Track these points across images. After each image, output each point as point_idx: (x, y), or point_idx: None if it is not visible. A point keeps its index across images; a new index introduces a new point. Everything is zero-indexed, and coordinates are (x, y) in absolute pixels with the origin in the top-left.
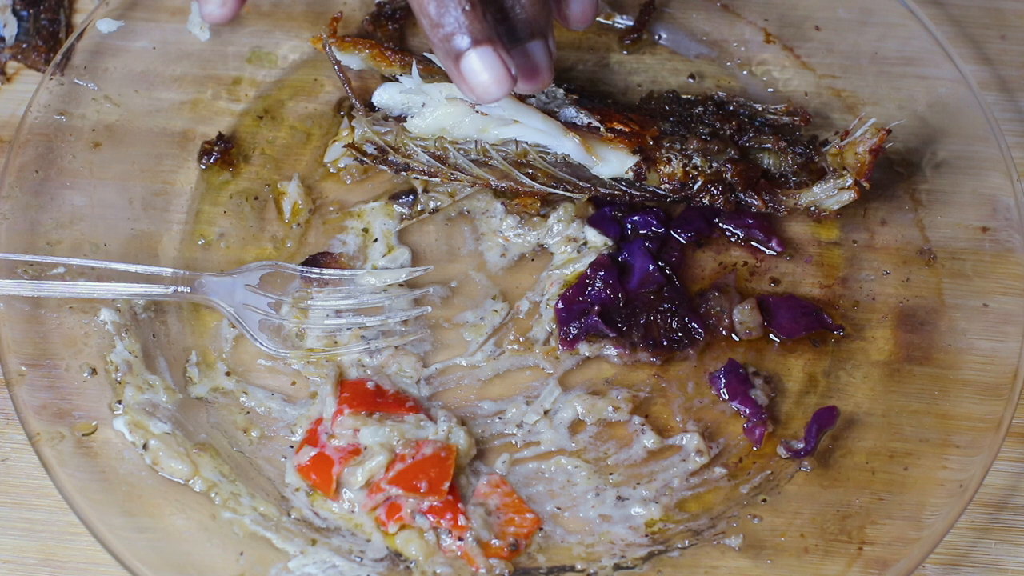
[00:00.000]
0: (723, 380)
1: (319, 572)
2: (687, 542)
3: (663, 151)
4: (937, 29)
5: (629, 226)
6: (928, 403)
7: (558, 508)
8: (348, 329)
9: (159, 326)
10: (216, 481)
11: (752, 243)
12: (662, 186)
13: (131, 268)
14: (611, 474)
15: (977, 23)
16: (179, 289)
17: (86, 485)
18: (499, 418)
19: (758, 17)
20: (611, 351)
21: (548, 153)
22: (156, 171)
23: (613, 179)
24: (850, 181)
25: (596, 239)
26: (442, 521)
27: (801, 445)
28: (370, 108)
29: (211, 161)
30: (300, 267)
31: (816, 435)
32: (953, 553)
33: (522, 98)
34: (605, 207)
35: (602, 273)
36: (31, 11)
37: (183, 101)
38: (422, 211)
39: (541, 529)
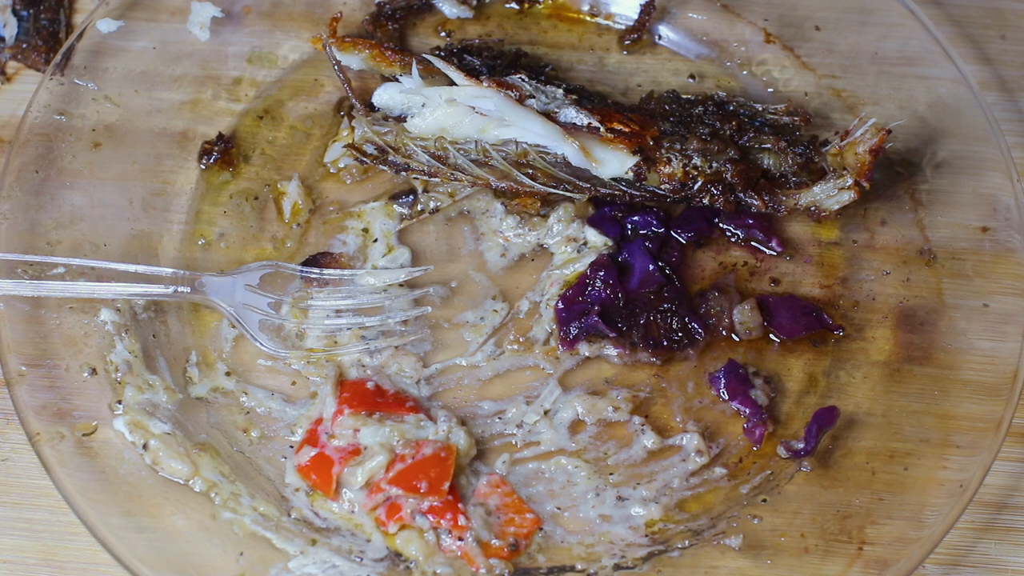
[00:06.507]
0: (723, 380)
1: (319, 572)
2: (687, 542)
3: (663, 151)
4: (937, 29)
5: (629, 226)
6: (928, 403)
7: (558, 508)
8: (348, 329)
9: (159, 326)
10: (216, 481)
11: (752, 243)
12: (662, 186)
13: (131, 268)
14: (611, 474)
15: (977, 23)
16: (179, 289)
17: (86, 485)
18: (499, 418)
19: (758, 17)
20: (611, 351)
21: (548, 153)
22: (156, 171)
23: (613, 179)
24: (850, 181)
25: (596, 239)
26: (442, 521)
27: (801, 445)
28: (370, 108)
29: (211, 161)
30: (300, 267)
31: (816, 435)
32: (953, 553)
33: (521, 101)
34: (605, 207)
35: (602, 273)
36: (31, 11)
37: (183, 101)
38: (422, 211)
39: (541, 529)
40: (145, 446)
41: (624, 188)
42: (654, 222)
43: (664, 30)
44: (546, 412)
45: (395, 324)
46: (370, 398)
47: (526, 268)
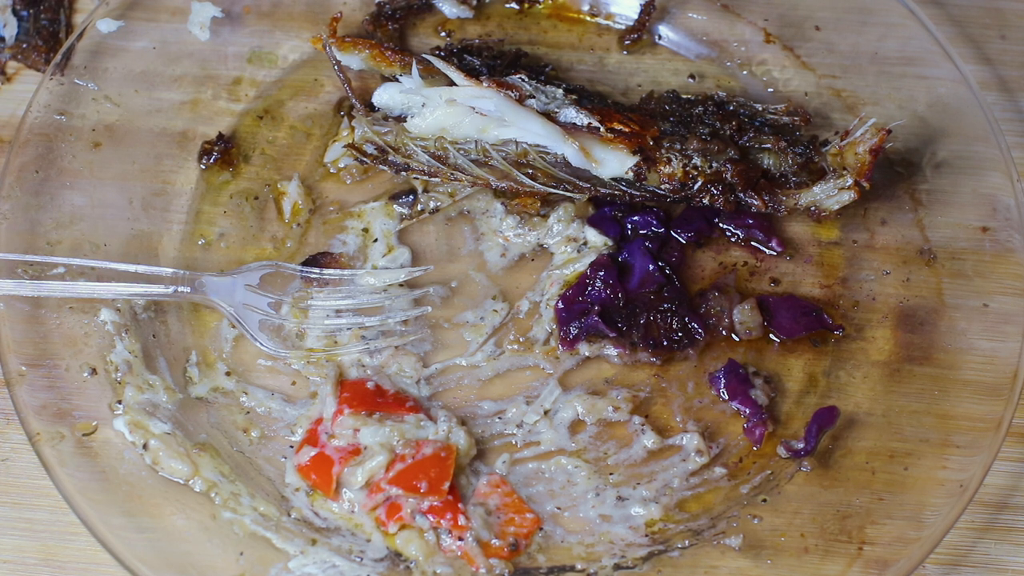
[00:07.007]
0: (723, 380)
1: (319, 572)
2: (687, 542)
3: (663, 151)
4: (937, 29)
5: (629, 226)
6: (928, 403)
7: (558, 508)
8: (348, 329)
9: (159, 326)
10: (216, 481)
11: (752, 243)
12: (662, 186)
13: (131, 268)
14: (611, 474)
15: (977, 23)
16: (179, 289)
17: (86, 485)
18: (499, 418)
19: (758, 17)
20: (611, 351)
21: (548, 153)
22: (156, 171)
23: (613, 179)
24: (850, 181)
25: (596, 239)
26: (442, 521)
27: (801, 445)
28: (370, 108)
29: (211, 161)
30: (300, 267)
31: (816, 435)
32: (953, 553)
33: (521, 101)
34: (605, 207)
35: (602, 273)
36: (31, 11)
37: (183, 101)
38: (422, 211)
39: (541, 529)
40: (145, 446)
41: (624, 188)
42: (654, 222)
43: (664, 30)
44: (546, 412)
45: (395, 324)
46: (370, 398)
47: (526, 268)
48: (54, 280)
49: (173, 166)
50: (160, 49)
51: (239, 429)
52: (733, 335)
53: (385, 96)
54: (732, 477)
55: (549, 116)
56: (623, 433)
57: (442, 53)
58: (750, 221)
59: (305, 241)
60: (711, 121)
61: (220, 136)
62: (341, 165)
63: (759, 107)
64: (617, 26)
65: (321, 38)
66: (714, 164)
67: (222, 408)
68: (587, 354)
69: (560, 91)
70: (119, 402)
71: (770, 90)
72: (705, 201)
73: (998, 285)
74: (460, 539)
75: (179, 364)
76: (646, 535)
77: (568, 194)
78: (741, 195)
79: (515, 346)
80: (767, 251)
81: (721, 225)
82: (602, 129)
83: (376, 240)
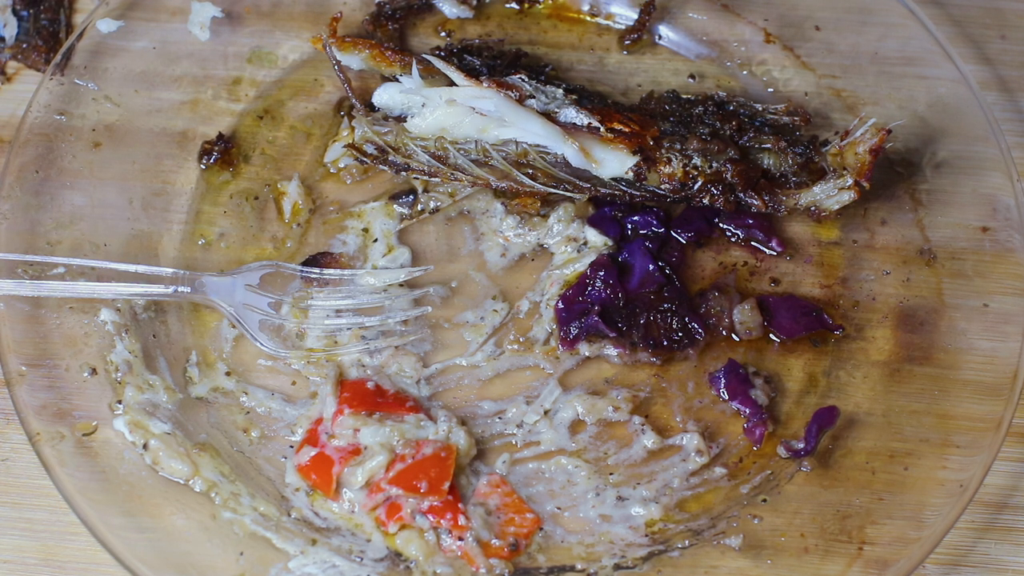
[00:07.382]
0: (723, 380)
1: (319, 572)
2: (687, 542)
3: (663, 151)
4: (937, 29)
5: (629, 226)
6: (928, 403)
7: (558, 508)
8: (348, 329)
9: (159, 326)
10: (216, 481)
11: (752, 243)
12: (662, 186)
13: (131, 268)
14: (611, 474)
15: (977, 23)
16: (179, 289)
17: (86, 485)
18: (499, 418)
19: (758, 17)
20: (611, 351)
21: (548, 153)
22: (156, 171)
23: (613, 179)
24: (850, 181)
25: (596, 239)
26: (442, 521)
27: (801, 445)
28: (370, 108)
29: (211, 161)
30: (300, 267)
31: (816, 435)
32: (953, 553)
33: (521, 101)
34: (605, 207)
35: (602, 273)
36: (31, 11)
37: (183, 101)
38: (422, 211)
39: (541, 529)
40: (145, 446)
41: (624, 188)
42: (654, 222)
43: (664, 30)
44: (546, 412)
45: (395, 324)
46: (370, 398)
47: (526, 268)
48: (54, 280)
49: (173, 166)
50: (160, 49)
51: (239, 429)
52: (733, 335)
53: (385, 96)
54: (732, 477)
55: (549, 116)
56: (623, 433)
57: (442, 53)
58: (750, 221)
59: (305, 241)
60: (711, 121)
61: (220, 136)
62: (341, 165)
63: (759, 107)
64: (617, 26)
65: (321, 38)
66: (714, 164)
67: (222, 408)
68: (587, 354)
69: (560, 91)
70: (119, 402)
71: (770, 90)
72: (705, 201)
73: (998, 285)
74: (460, 539)
75: (179, 364)
76: (646, 535)
77: (568, 194)
78: (741, 195)
79: (515, 346)
80: (767, 251)
81: (721, 225)
82: (602, 129)
83: (376, 240)
